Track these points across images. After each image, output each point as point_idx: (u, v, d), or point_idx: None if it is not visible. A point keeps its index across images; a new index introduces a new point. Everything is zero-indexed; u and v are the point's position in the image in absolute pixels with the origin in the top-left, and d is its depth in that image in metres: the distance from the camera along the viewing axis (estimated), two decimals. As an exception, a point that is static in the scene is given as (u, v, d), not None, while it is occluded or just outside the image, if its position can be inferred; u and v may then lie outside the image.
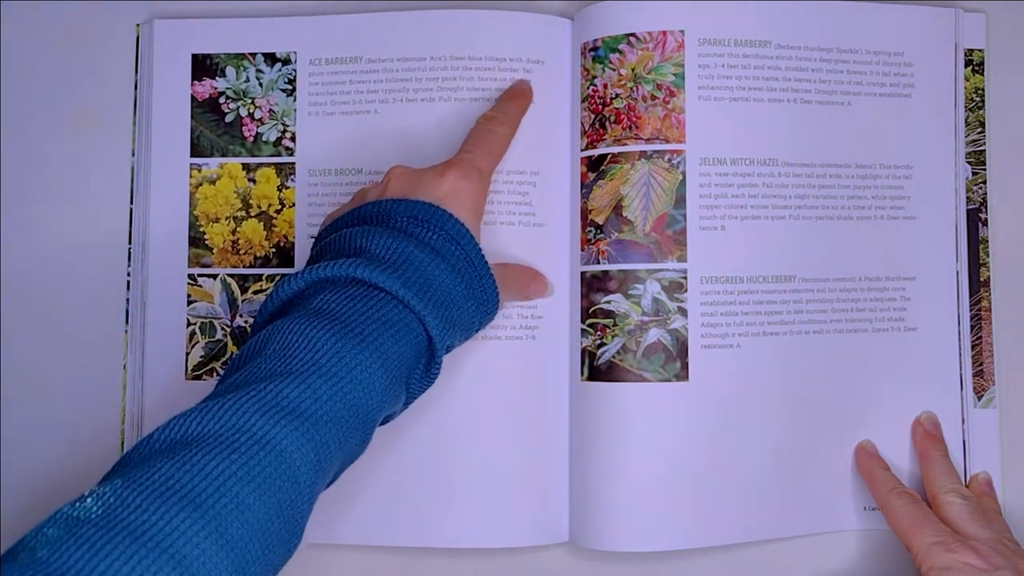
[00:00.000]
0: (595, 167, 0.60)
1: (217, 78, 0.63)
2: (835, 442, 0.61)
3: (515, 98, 0.60)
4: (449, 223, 0.52)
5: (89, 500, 0.39)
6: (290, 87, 0.63)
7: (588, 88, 0.61)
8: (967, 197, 0.63)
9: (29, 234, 0.64)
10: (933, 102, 0.63)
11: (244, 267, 0.63)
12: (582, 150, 0.61)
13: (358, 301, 0.48)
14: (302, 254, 0.62)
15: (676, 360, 0.59)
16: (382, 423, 0.51)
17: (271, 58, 0.63)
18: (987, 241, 0.63)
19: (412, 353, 0.49)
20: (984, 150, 0.64)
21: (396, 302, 0.49)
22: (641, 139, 0.60)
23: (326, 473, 0.45)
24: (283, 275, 0.49)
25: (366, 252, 0.50)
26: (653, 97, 0.60)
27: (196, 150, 0.63)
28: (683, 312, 0.59)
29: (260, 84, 0.63)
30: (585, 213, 0.60)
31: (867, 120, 0.62)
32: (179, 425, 0.42)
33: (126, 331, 0.63)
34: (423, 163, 0.61)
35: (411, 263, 0.50)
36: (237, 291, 0.63)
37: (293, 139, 0.63)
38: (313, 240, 0.56)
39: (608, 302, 0.59)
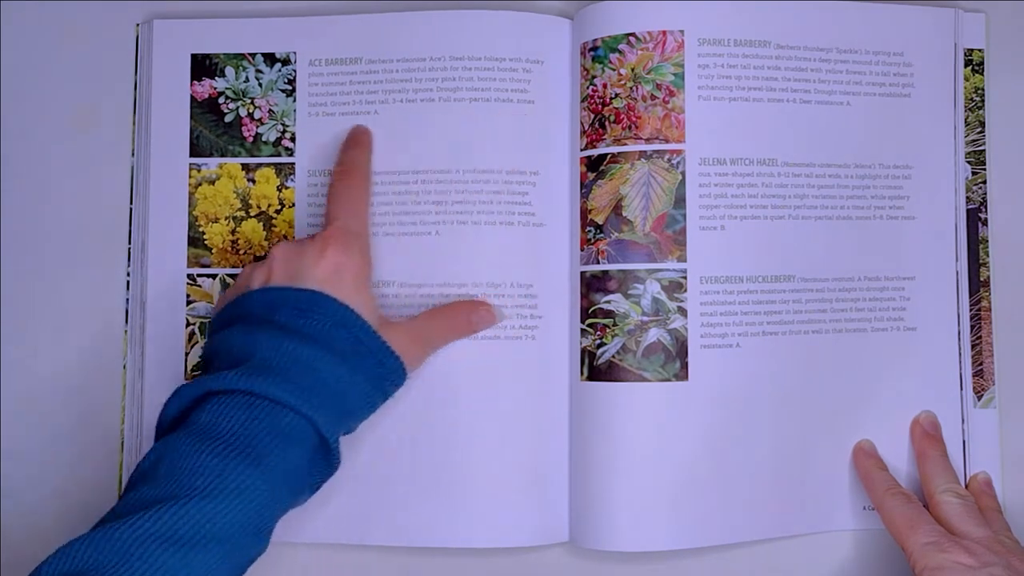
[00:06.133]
0: (595, 167, 0.60)
1: (216, 78, 0.63)
2: (834, 442, 0.61)
3: (355, 146, 0.61)
4: (332, 308, 0.53)
5: None
6: (290, 87, 0.63)
7: (588, 88, 0.61)
8: (967, 197, 0.63)
9: (29, 234, 0.64)
10: (933, 102, 0.63)
11: (244, 267, 0.63)
12: (582, 150, 0.61)
13: (244, 411, 0.49)
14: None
15: (676, 360, 0.59)
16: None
17: (271, 58, 0.63)
18: (987, 241, 0.63)
19: (306, 456, 0.51)
20: (984, 150, 0.63)
21: (283, 409, 0.50)
22: (641, 139, 0.60)
23: None
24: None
25: (252, 358, 0.51)
26: (653, 97, 0.60)
27: (195, 150, 0.63)
28: (683, 312, 0.59)
29: (260, 84, 0.63)
30: (585, 213, 0.60)
31: (866, 120, 0.62)
32: (66, 556, 0.44)
33: (126, 331, 0.63)
34: (424, 165, 0.61)
35: (297, 363, 0.51)
36: (237, 291, 0.63)
37: (293, 139, 0.63)
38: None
39: (608, 302, 0.59)
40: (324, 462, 0.53)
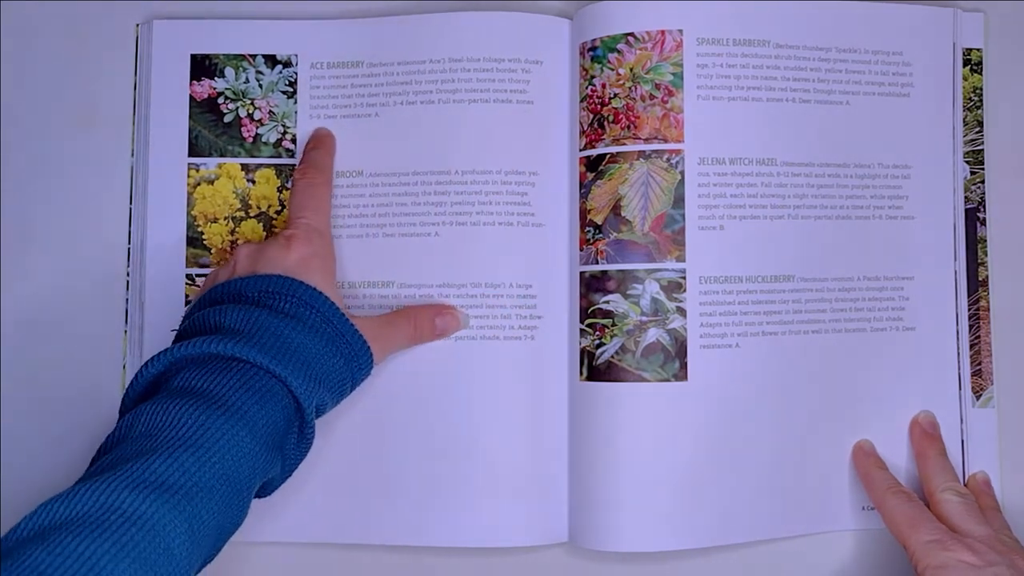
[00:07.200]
0: (594, 167, 0.60)
1: (216, 78, 0.63)
2: (833, 442, 0.61)
3: (319, 146, 0.61)
4: (300, 290, 0.53)
5: None
6: (291, 90, 0.63)
7: (587, 88, 0.61)
8: (965, 197, 0.63)
9: (28, 234, 0.64)
10: (931, 102, 0.63)
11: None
12: (581, 150, 0.61)
13: (219, 374, 0.48)
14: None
15: (675, 360, 0.59)
16: (260, 494, 0.52)
17: (272, 60, 0.64)
18: (985, 240, 0.63)
19: (282, 417, 0.50)
20: (982, 149, 0.64)
21: (257, 369, 0.49)
22: (640, 139, 0.60)
23: (203, 545, 0.45)
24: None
25: (222, 328, 0.51)
26: (652, 97, 0.60)
27: (194, 150, 0.63)
28: (682, 312, 0.59)
29: (260, 85, 0.63)
30: (584, 213, 0.60)
31: (866, 119, 0.62)
32: (47, 511, 0.42)
33: (125, 331, 0.63)
34: (423, 166, 0.61)
35: (267, 330, 0.50)
36: (236, 291, 0.63)
37: (293, 141, 0.63)
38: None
39: (607, 302, 0.59)
40: (299, 435, 0.52)
